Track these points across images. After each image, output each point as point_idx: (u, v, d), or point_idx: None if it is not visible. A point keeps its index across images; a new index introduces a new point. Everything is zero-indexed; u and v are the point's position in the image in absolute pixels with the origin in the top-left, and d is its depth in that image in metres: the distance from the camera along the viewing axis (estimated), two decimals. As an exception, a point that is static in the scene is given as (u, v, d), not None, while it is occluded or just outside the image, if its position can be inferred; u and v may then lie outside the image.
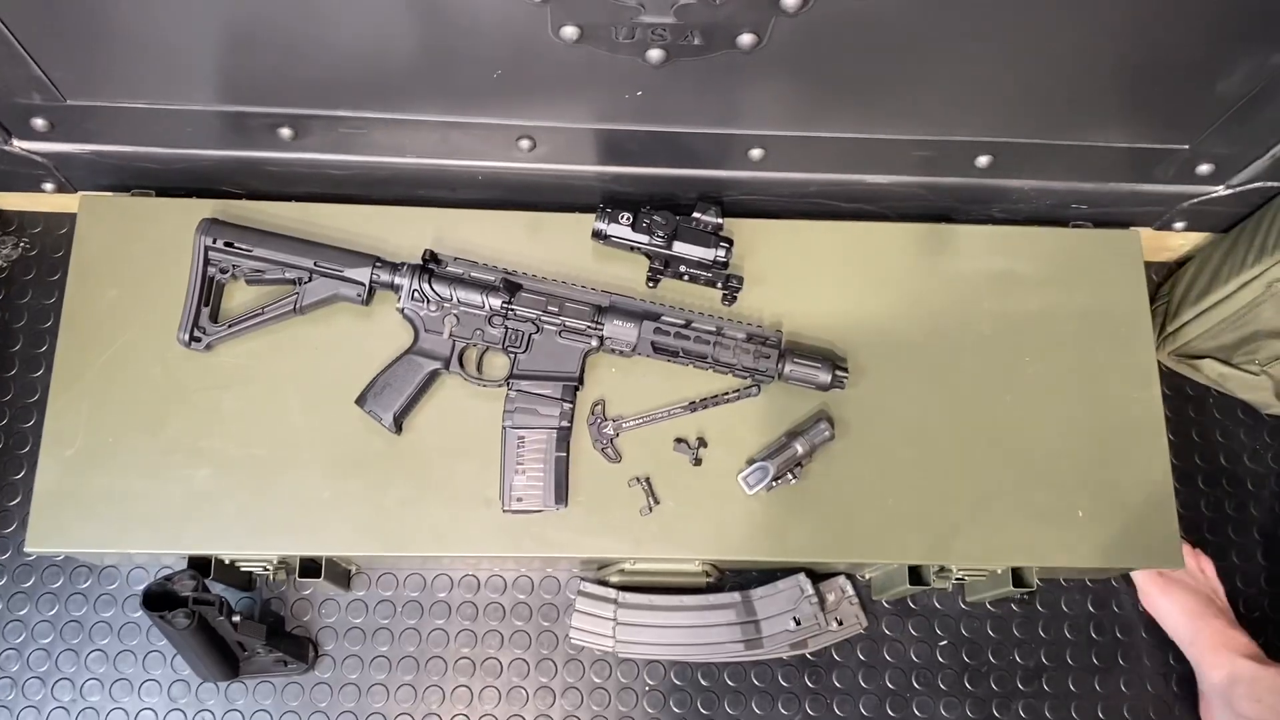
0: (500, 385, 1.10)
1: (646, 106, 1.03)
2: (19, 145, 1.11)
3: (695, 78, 0.97)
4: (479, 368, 1.12)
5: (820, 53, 0.94)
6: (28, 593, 1.22)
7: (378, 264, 1.09)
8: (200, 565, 1.08)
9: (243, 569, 1.13)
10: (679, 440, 1.11)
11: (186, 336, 1.09)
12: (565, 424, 1.09)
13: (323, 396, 1.10)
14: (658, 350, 1.09)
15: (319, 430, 1.09)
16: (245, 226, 1.10)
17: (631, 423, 1.11)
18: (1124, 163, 1.14)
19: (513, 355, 1.10)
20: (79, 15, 0.91)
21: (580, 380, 1.10)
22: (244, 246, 1.09)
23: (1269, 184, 1.15)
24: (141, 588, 1.12)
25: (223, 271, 1.10)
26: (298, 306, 1.10)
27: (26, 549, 1.05)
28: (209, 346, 1.10)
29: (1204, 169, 1.14)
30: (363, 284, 1.09)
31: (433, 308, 1.09)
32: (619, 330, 1.09)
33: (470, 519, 1.08)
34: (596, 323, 1.09)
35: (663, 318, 1.09)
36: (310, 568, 1.12)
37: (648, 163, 1.13)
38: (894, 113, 1.06)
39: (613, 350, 1.10)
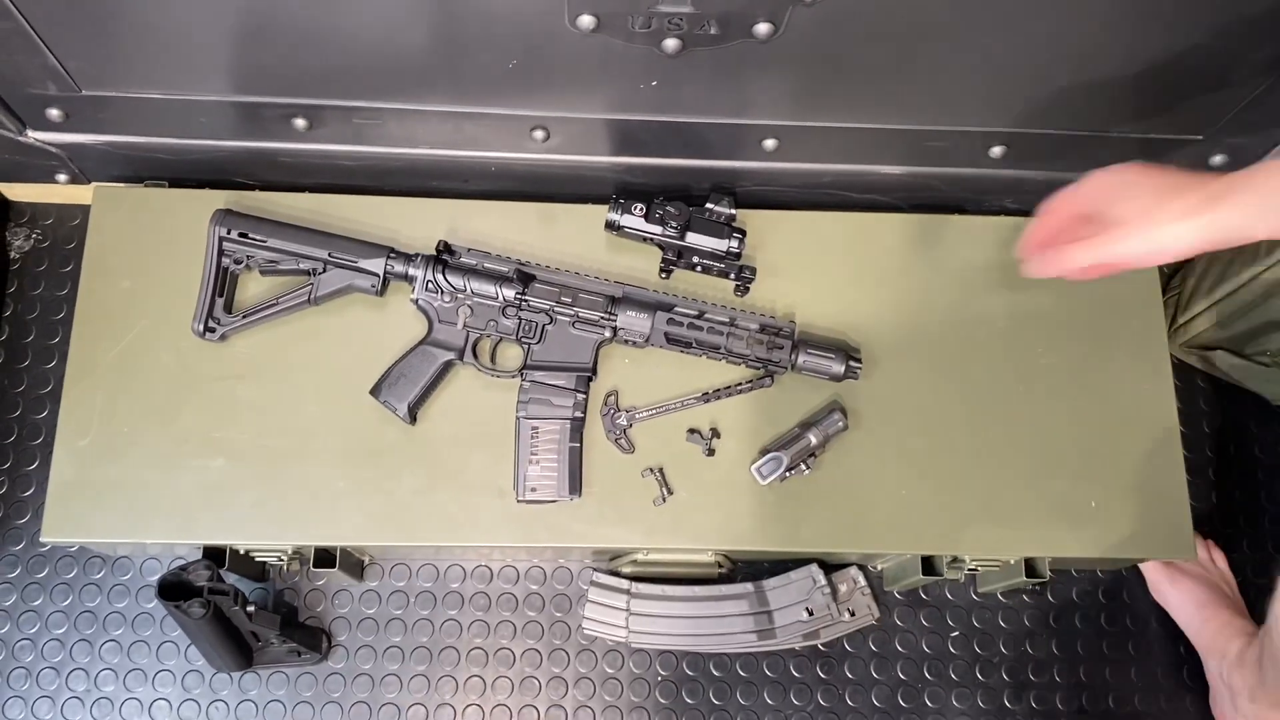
0: (514, 376, 1.10)
1: (661, 97, 1.03)
2: (33, 136, 1.11)
3: (710, 68, 0.97)
4: (493, 358, 1.12)
5: (836, 42, 0.94)
6: (42, 583, 1.23)
7: (392, 255, 1.09)
8: (215, 555, 1.08)
9: (257, 559, 1.13)
10: (692, 431, 1.11)
11: (201, 327, 1.09)
12: (579, 414, 1.09)
13: (337, 387, 1.10)
14: (671, 341, 1.10)
15: (333, 420, 1.10)
16: (259, 217, 1.10)
17: (644, 413, 1.11)
18: (1137, 153, 1.13)
19: (526, 346, 1.10)
20: (95, 5, 0.91)
21: (594, 371, 1.10)
22: (258, 237, 1.09)
23: (1283, 175, 1.15)
24: (155, 578, 1.13)
25: (237, 262, 1.10)
26: (312, 297, 1.10)
27: (41, 539, 1.06)
28: (223, 337, 1.10)
29: (1218, 160, 1.14)
30: (377, 275, 1.09)
31: (447, 299, 1.09)
32: (632, 321, 1.09)
33: (484, 509, 1.08)
34: (610, 313, 1.09)
35: (676, 309, 1.09)
36: (325, 558, 1.12)
37: (661, 153, 1.13)
38: (908, 103, 1.06)
39: (626, 341, 1.10)
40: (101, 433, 1.08)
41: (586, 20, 0.89)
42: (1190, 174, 0.78)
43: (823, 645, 1.24)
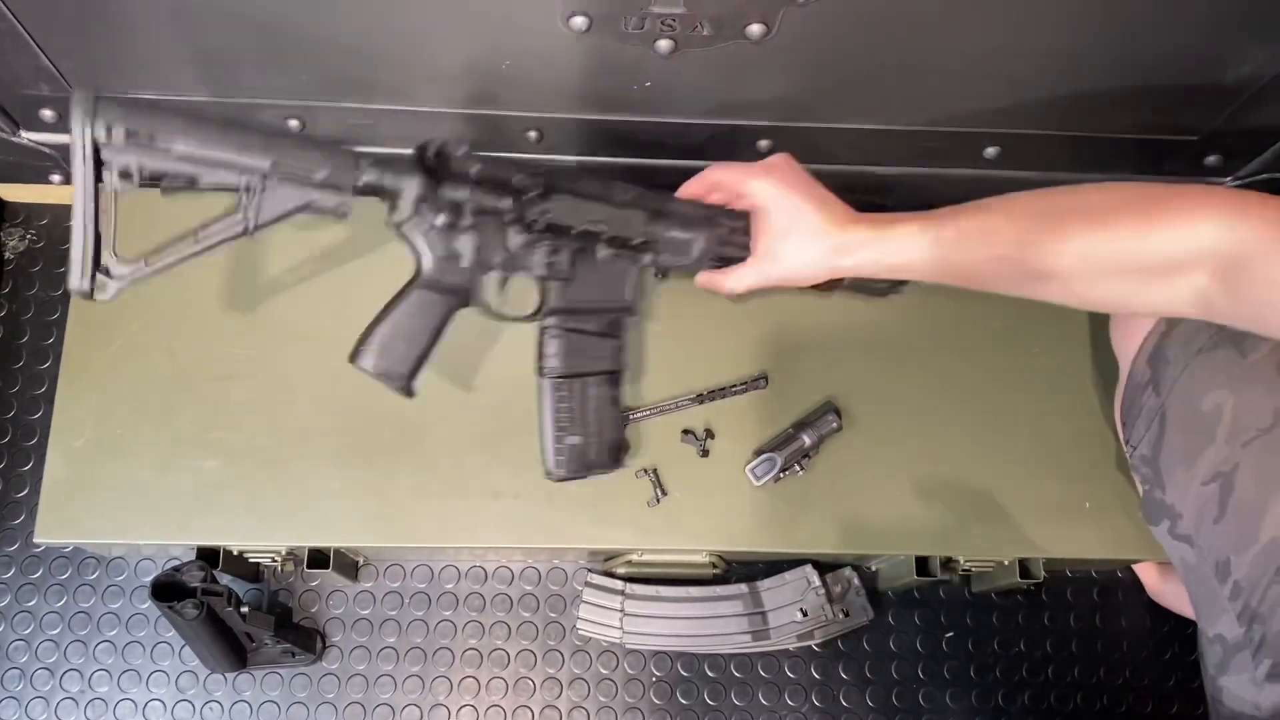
0: (533, 320, 0.94)
1: (655, 98, 1.02)
2: (27, 136, 1.11)
3: (704, 69, 0.97)
4: (502, 297, 0.94)
5: (829, 43, 0.94)
6: (36, 584, 1.23)
7: (367, 160, 0.83)
8: (208, 556, 1.08)
9: (251, 560, 1.13)
10: (686, 431, 1.11)
11: (87, 284, 0.77)
12: (615, 366, 0.94)
13: (330, 386, 1.10)
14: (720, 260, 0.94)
15: (327, 421, 1.09)
16: (159, 108, 0.77)
17: (638, 414, 1.11)
18: (1132, 154, 1.13)
19: (551, 285, 0.92)
20: (88, 5, 0.90)
21: (633, 309, 0.93)
22: (157, 138, 0.75)
23: (1278, 175, 1.15)
24: (150, 579, 1.12)
25: (124, 176, 0.76)
26: (250, 226, 0.81)
27: (35, 540, 1.05)
28: (119, 293, 0.79)
29: (1212, 160, 1.14)
30: (345, 188, 0.83)
31: (446, 221, 0.87)
32: (678, 243, 0.91)
33: (478, 510, 1.08)
34: (650, 235, 0.90)
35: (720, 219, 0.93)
36: (319, 559, 1.12)
37: (655, 155, 1.13)
38: (902, 104, 1.05)
39: (664, 272, 0.94)
40: (95, 433, 1.08)
41: (579, 21, 0.89)
42: (830, 207, 0.89)
43: (817, 646, 1.24)
